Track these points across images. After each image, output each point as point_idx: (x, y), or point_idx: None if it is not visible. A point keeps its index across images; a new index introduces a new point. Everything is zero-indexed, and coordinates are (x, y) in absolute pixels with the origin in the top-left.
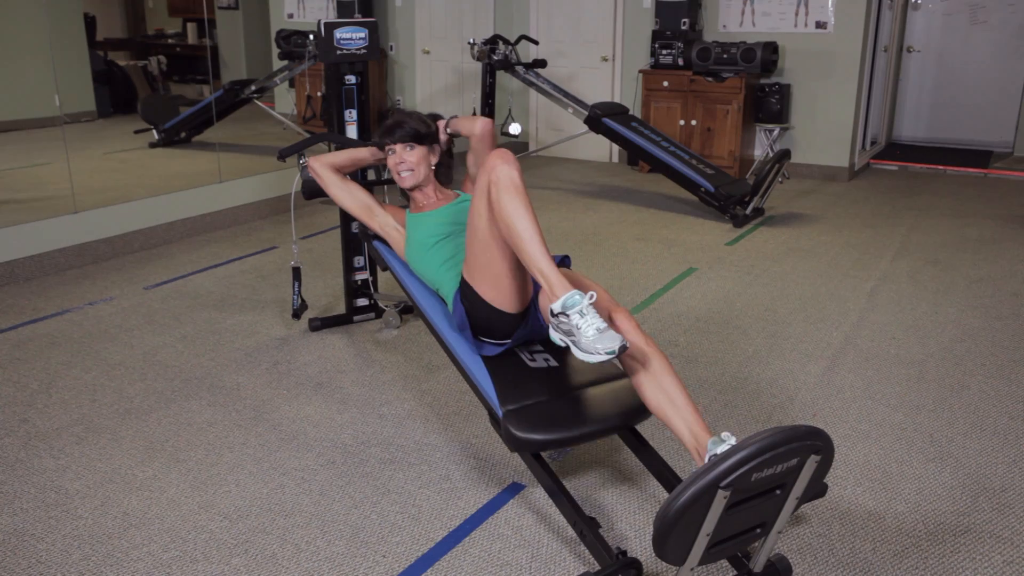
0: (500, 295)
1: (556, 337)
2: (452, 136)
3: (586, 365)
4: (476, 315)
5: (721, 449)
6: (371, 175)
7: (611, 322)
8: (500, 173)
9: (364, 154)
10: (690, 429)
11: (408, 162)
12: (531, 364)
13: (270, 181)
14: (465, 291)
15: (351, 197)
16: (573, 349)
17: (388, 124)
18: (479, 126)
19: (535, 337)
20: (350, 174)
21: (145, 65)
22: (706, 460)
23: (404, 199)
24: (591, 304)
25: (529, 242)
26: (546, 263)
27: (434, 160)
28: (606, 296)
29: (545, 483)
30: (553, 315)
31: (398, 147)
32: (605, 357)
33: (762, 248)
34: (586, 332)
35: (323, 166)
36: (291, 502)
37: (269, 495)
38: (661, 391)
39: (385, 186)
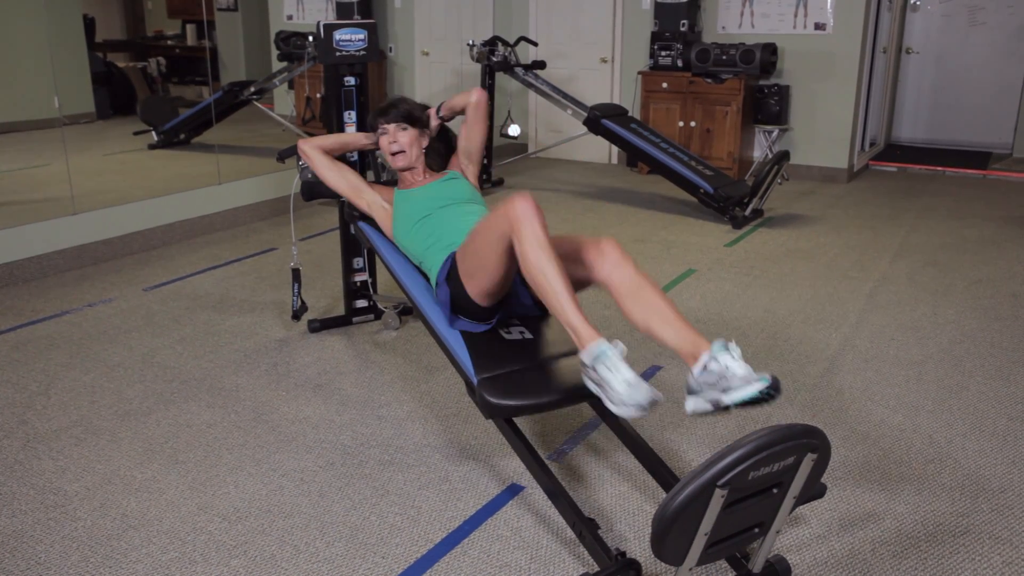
0: (484, 297)
1: (590, 385)
2: (444, 120)
3: (561, 336)
4: (459, 301)
5: (724, 356)
6: (370, 177)
7: (599, 256)
8: (526, 230)
9: (353, 138)
10: (682, 336)
11: (400, 142)
12: (507, 336)
13: (269, 183)
14: (453, 279)
15: (340, 178)
16: (604, 401)
17: (382, 106)
18: (475, 95)
19: (517, 313)
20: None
21: (144, 67)
22: (704, 359)
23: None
24: (621, 356)
25: (557, 296)
26: (574, 316)
27: (424, 143)
28: (588, 237)
29: (544, 484)
30: (584, 365)
31: (391, 127)
32: (635, 412)
33: (761, 249)
34: (615, 386)
35: (312, 148)
36: (290, 503)
37: (268, 496)
38: (650, 309)
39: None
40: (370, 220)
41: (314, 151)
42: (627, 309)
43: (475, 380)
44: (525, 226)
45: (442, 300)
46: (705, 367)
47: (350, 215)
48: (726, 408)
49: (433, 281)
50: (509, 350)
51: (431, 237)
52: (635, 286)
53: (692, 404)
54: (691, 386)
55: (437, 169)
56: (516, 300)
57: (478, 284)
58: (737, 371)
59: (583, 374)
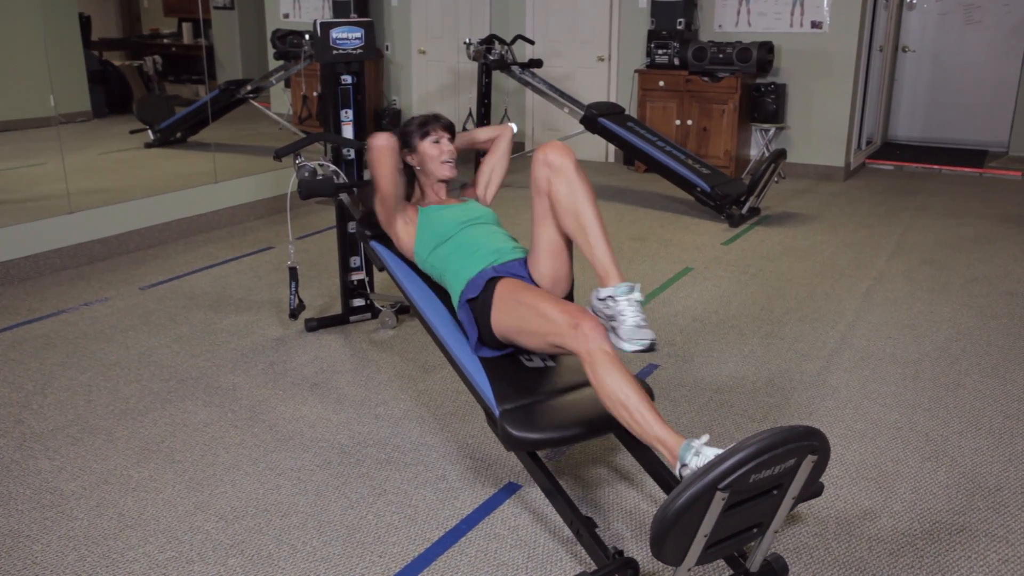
0: (505, 340)
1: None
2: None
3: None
4: (482, 327)
5: (623, 300)
6: (367, 175)
7: (547, 165)
8: (600, 355)
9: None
10: (599, 262)
11: (452, 151)
12: (528, 364)
13: (266, 181)
14: (481, 305)
15: (393, 183)
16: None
17: (423, 117)
18: (508, 131)
19: None
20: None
21: (140, 65)
22: (607, 291)
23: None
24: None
25: (635, 412)
26: (663, 431)
27: None
28: (541, 159)
29: (542, 483)
30: (600, 299)
31: (446, 136)
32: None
33: (758, 248)
34: (627, 321)
35: (392, 150)
36: (287, 502)
37: (265, 495)
38: (581, 224)
39: None
40: (384, 239)
41: (391, 151)
42: (560, 219)
43: (497, 411)
44: (595, 348)
45: (464, 320)
46: (605, 298)
47: (362, 234)
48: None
49: (456, 296)
50: (530, 379)
51: (459, 253)
52: (575, 201)
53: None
54: (590, 303)
55: (451, 193)
56: None
57: (509, 336)
58: (627, 320)
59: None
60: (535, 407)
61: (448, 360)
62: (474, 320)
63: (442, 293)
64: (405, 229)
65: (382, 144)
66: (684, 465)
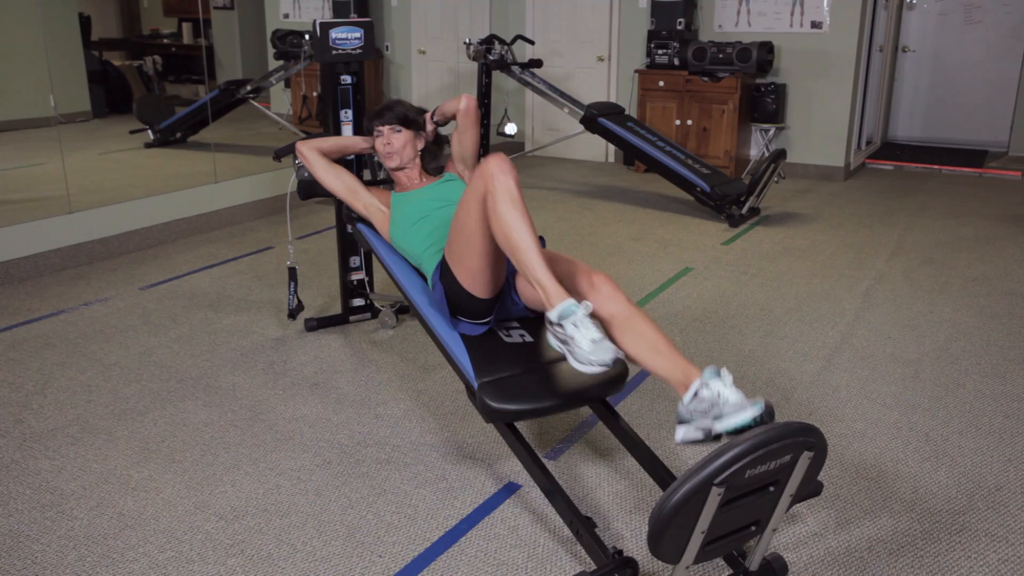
0: (476, 283)
1: (554, 344)
2: (439, 124)
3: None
4: (454, 297)
5: (716, 382)
6: (367, 175)
7: (591, 288)
8: (498, 184)
9: (351, 141)
10: (673, 364)
11: (394, 144)
12: (507, 339)
13: (266, 181)
14: (445, 273)
15: (337, 179)
16: (568, 358)
17: (377, 108)
18: (463, 102)
19: (511, 315)
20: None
21: (140, 65)
22: (695, 386)
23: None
24: (587, 314)
25: (526, 252)
26: (543, 273)
27: (420, 145)
28: (583, 265)
29: (541, 483)
30: (550, 324)
31: (385, 129)
32: (598, 369)
33: (758, 248)
34: (581, 343)
35: (310, 149)
36: (287, 502)
37: (265, 495)
38: (641, 338)
39: (380, 186)
40: (368, 222)
41: (311, 152)
42: (619, 339)
43: (476, 384)
44: (498, 181)
45: (437, 299)
46: (696, 394)
47: (348, 216)
48: (717, 437)
49: (429, 275)
50: (509, 353)
51: (429, 238)
52: (627, 316)
53: (682, 433)
54: (681, 414)
55: (432, 171)
56: (509, 301)
57: (468, 268)
58: (729, 398)
59: (548, 332)
60: (513, 380)
61: (430, 336)
62: (444, 294)
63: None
64: (381, 216)
65: (300, 151)
66: (551, 323)
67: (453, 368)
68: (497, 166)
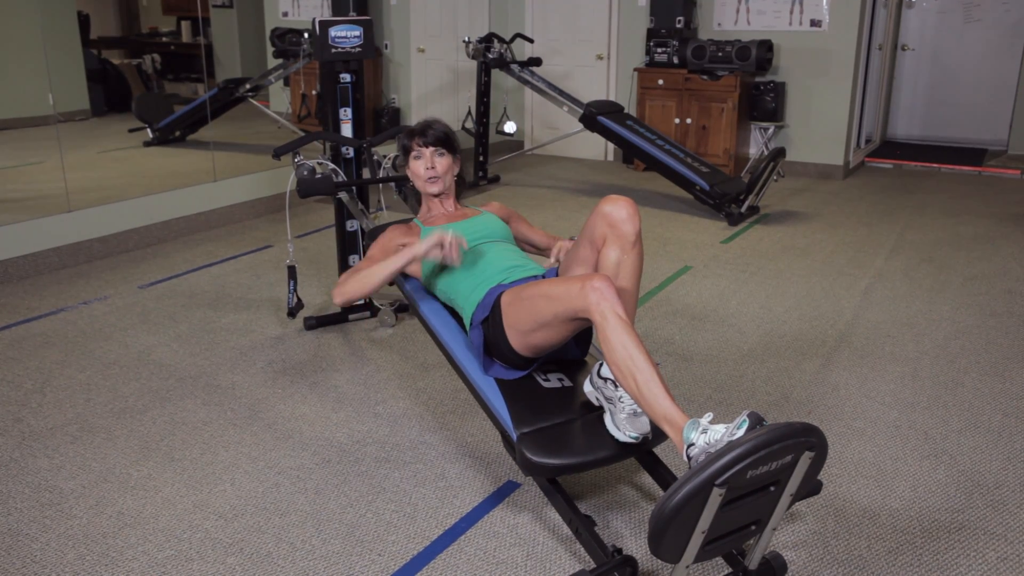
0: (527, 349)
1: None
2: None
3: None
4: (495, 347)
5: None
6: (366, 175)
7: (609, 224)
8: (609, 313)
9: (390, 269)
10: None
11: (437, 168)
12: (545, 384)
13: (265, 180)
14: (493, 325)
15: (390, 264)
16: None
17: (416, 126)
18: (551, 245)
19: (554, 357)
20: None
21: (139, 63)
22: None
23: (415, 202)
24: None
25: (647, 384)
26: (671, 408)
27: (456, 171)
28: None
29: (540, 481)
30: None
31: (428, 151)
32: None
33: (757, 246)
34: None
35: (367, 287)
36: (286, 501)
37: (264, 494)
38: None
39: (380, 185)
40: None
41: (359, 283)
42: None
43: (515, 435)
44: (607, 308)
45: (475, 343)
46: (606, 379)
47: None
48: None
49: (468, 320)
50: (548, 400)
51: (468, 274)
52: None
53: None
54: (590, 379)
55: (459, 197)
56: (561, 349)
57: (527, 340)
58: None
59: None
60: (553, 430)
61: (463, 382)
62: (484, 340)
63: (456, 313)
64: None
65: (386, 246)
66: (691, 445)
67: (487, 415)
68: (605, 291)
